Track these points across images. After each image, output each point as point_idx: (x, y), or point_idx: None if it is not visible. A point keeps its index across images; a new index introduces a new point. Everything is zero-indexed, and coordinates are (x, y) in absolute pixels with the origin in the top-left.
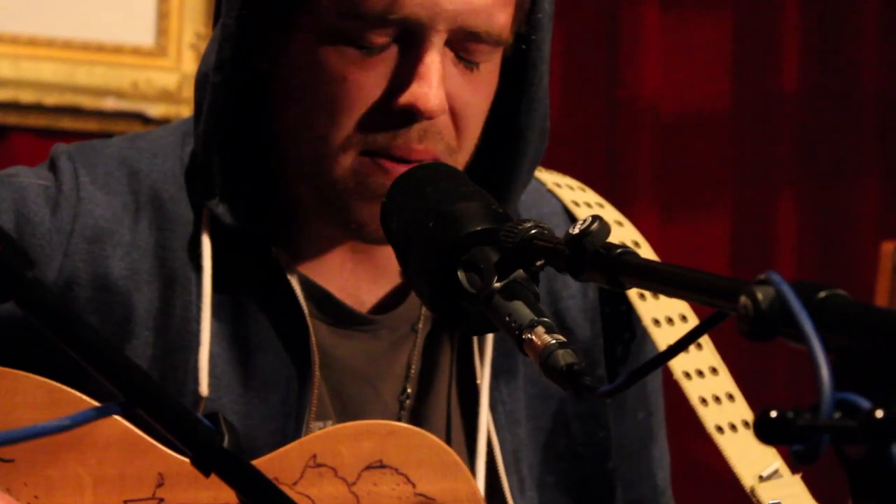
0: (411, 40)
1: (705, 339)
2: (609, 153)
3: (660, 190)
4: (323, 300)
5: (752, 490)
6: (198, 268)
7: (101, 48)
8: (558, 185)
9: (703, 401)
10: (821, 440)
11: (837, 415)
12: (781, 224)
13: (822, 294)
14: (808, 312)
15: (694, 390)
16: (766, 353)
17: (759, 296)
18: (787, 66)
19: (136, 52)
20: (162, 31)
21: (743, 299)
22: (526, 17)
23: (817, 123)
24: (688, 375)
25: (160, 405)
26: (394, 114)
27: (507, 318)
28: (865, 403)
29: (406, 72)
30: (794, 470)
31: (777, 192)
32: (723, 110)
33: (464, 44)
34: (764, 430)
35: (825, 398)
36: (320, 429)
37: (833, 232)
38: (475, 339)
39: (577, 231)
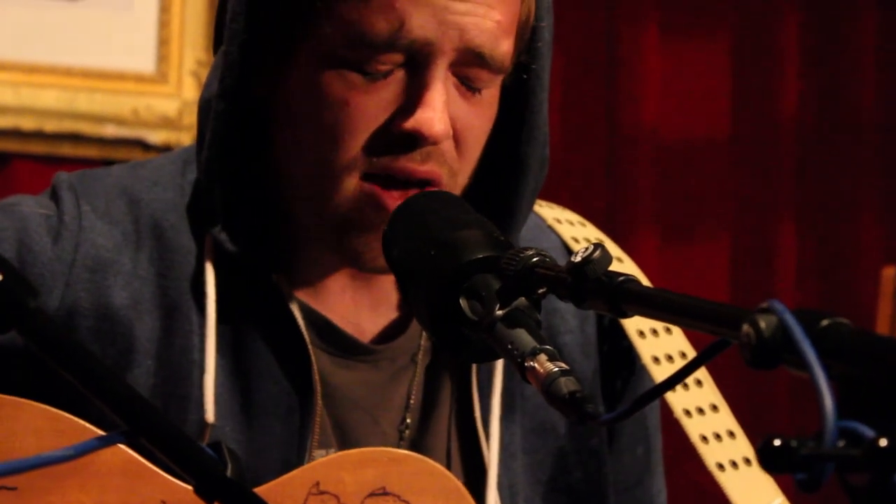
0: (416, 65)
1: (705, 376)
2: (609, 180)
3: (659, 216)
4: (324, 329)
5: None
6: (200, 296)
7: (101, 75)
8: (558, 221)
9: (704, 438)
10: (824, 468)
11: (841, 443)
12: (782, 250)
13: (825, 322)
14: (810, 341)
15: (694, 428)
16: (768, 382)
17: (762, 324)
18: (786, 93)
19: (137, 78)
20: (162, 57)
21: (745, 327)
22: (526, 47)
23: (817, 149)
24: (688, 413)
25: (163, 434)
26: (397, 138)
27: (510, 346)
28: (869, 432)
29: (410, 97)
30: None
31: (777, 219)
32: (722, 136)
33: (467, 68)
34: (768, 459)
35: (828, 426)
36: (323, 457)
37: (833, 258)
38: (474, 372)
39: (579, 259)
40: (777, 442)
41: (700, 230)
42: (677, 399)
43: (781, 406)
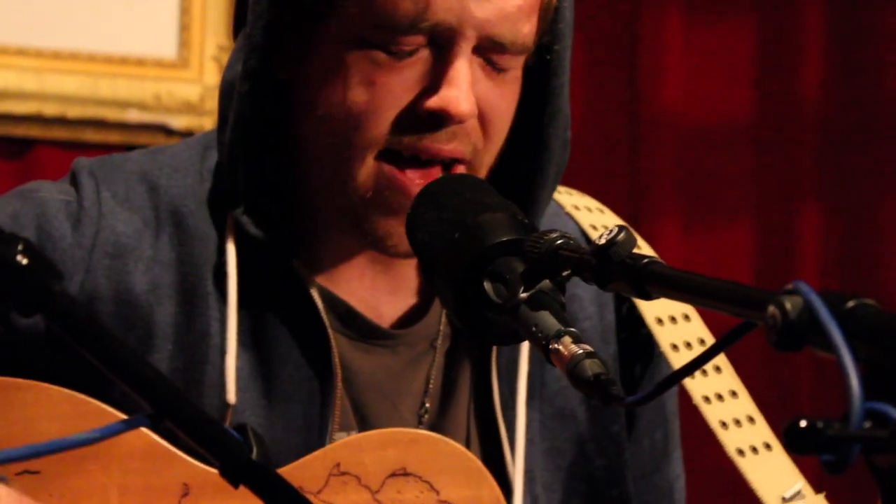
0: (440, 45)
1: (724, 362)
2: (631, 164)
3: (682, 200)
4: (344, 313)
5: None
6: (220, 281)
7: (123, 61)
8: (577, 208)
9: (724, 424)
10: (851, 450)
11: (867, 424)
12: (805, 233)
13: (851, 304)
14: (836, 322)
15: (713, 414)
16: (789, 367)
17: (788, 305)
18: (809, 76)
19: (159, 64)
20: (184, 43)
21: (771, 309)
22: (548, 28)
23: (841, 132)
24: (707, 399)
25: (188, 417)
26: (422, 117)
27: (534, 329)
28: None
29: (436, 76)
30: (817, 489)
31: (800, 202)
32: (745, 120)
33: (490, 51)
34: (794, 440)
35: (855, 408)
36: (343, 438)
37: (857, 241)
38: (494, 357)
39: (603, 241)
40: (803, 423)
41: (723, 214)
42: (696, 386)
43: (802, 391)
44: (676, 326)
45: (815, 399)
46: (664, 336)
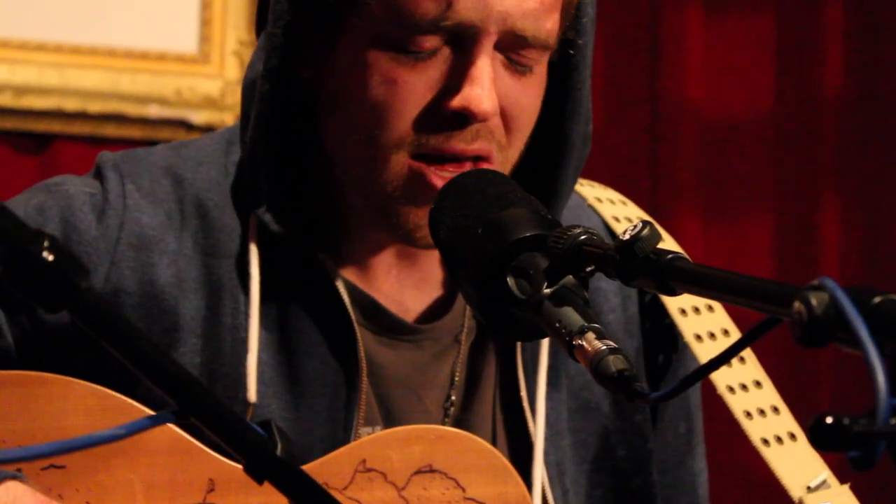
0: (462, 44)
1: (748, 353)
2: (652, 159)
3: (703, 194)
4: (369, 308)
5: (801, 501)
6: (245, 275)
7: (144, 56)
8: (599, 200)
9: (748, 414)
10: (877, 446)
11: (894, 420)
12: (825, 227)
13: (877, 299)
14: (862, 318)
15: (738, 404)
16: (810, 363)
17: (814, 301)
18: (830, 70)
19: (180, 59)
20: (205, 38)
21: (797, 305)
22: (571, 23)
23: (861, 126)
24: (731, 389)
25: (213, 413)
26: (446, 116)
27: (557, 325)
28: None
29: (458, 75)
30: (842, 480)
31: (821, 196)
32: (766, 114)
33: (513, 48)
34: (819, 437)
35: (882, 403)
36: (369, 434)
37: (877, 234)
38: (519, 350)
39: (627, 236)
40: (829, 419)
41: (743, 208)
42: (720, 376)
43: (823, 388)
44: (700, 317)
45: (836, 394)
46: (687, 326)
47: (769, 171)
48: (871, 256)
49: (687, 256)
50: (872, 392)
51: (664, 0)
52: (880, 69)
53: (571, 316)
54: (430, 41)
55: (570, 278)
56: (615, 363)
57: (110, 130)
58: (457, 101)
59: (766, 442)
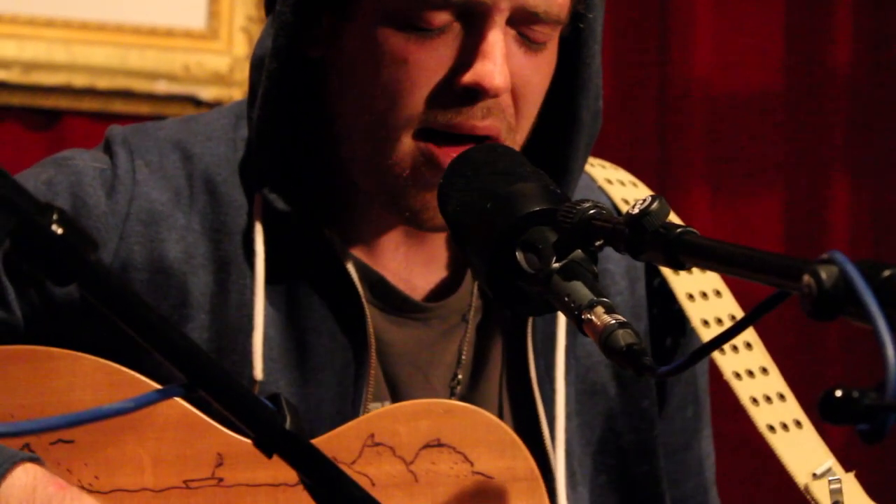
0: (473, 20)
1: (755, 339)
2: (660, 132)
3: (711, 172)
4: (377, 285)
5: (807, 488)
6: (251, 252)
7: (152, 32)
8: (609, 182)
9: (754, 400)
10: (887, 419)
11: None
12: (835, 206)
13: (887, 273)
14: (872, 291)
15: (744, 390)
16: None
17: (823, 275)
18: (839, 46)
19: (188, 35)
20: (213, 14)
21: (806, 278)
22: None
23: (871, 104)
24: (738, 376)
25: (222, 387)
26: (457, 93)
27: (566, 299)
28: None
29: (469, 51)
30: (847, 468)
31: (830, 173)
32: (775, 90)
33: (524, 23)
34: (829, 410)
35: (891, 377)
36: (377, 409)
37: (886, 210)
38: (530, 331)
39: (636, 210)
40: (839, 392)
41: (752, 186)
42: (727, 362)
43: (833, 365)
44: (707, 302)
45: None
46: (695, 311)
47: (778, 149)
48: (881, 234)
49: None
50: (882, 365)
51: None
52: (891, 48)
53: (580, 290)
54: (440, 17)
55: (579, 252)
56: (624, 337)
57: (119, 106)
58: (468, 77)
59: (772, 428)
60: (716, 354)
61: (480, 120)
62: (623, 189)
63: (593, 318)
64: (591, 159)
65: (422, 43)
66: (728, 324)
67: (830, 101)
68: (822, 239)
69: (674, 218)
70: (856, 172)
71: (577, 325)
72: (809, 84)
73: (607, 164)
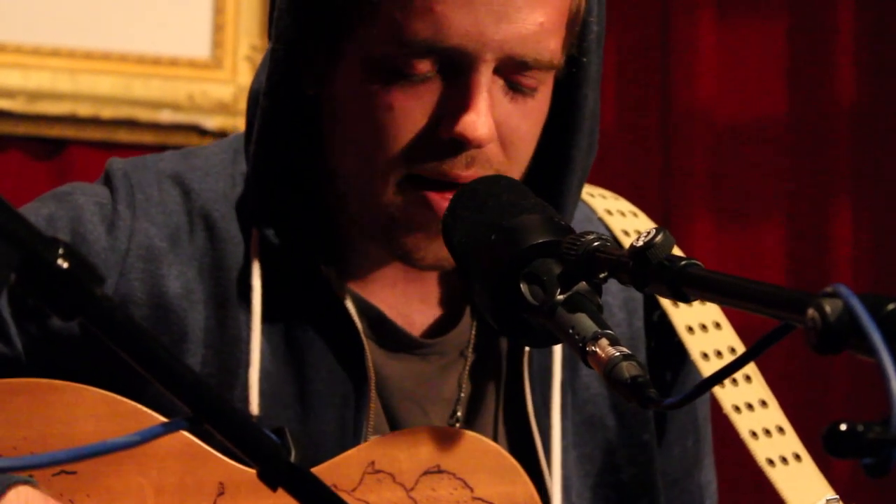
0: (457, 69)
1: (754, 372)
2: (664, 161)
3: (715, 197)
4: (375, 320)
5: None
6: (248, 288)
7: (156, 61)
8: (609, 213)
9: (754, 434)
10: (891, 453)
11: None
12: (838, 232)
13: (891, 307)
14: (877, 325)
15: (744, 424)
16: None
17: (828, 308)
18: (842, 74)
19: (192, 64)
20: (217, 43)
21: (811, 312)
22: (577, 40)
23: (874, 131)
24: (737, 409)
25: (227, 419)
26: (441, 142)
27: (571, 331)
28: None
29: (454, 100)
30: (847, 501)
31: (833, 201)
32: (778, 118)
33: (514, 72)
34: (833, 443)
35: None
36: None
37: (890, 239)
38: (526, 365)
39: (640, 243)
40: (843, 426)
41: (755, 212)
42: (726, 395)
43: (836, 401)
44: (707, 334)
45: (847, 406)
46: (694, 344)
47: (781, 176)
48: (884, 262)
49: (700, 263)
50: (886, 399)
51: (676, 2)
52: (893, 75)
53: (585, 322)
54: (424, 64)
55: (583, 284)
56: (629, 369)
57: (123, 136)
58: (451, 127)
59: (771, 462)
60: (715, 388)
61: (465, 169)
62: (623, 220)
63: (598, 350)
64: (591, 189)
65: (408, 90)
66: (728, 356)
67: (833, 129)
68: (825, 267)
69: (677, 251)
70: (859, 200)
71: (582, 358)
72: (812, 111)
73: (608, 194)
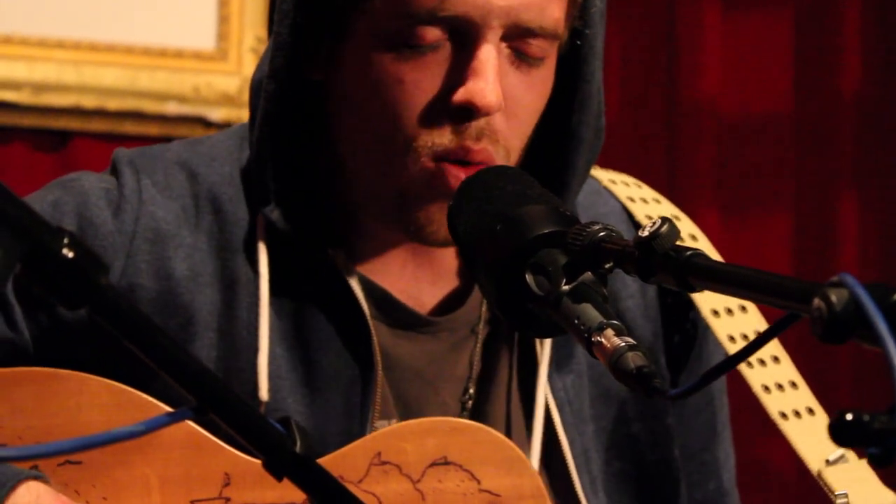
0: (464, 37)
1: (782, 353)
2: (669, 154)
3: (720, 190)
4: (382, 301)
5: (819, 474)
6: (256, 270)
7: (162, 53)
8: (613, 182)
9: (766, 388)
10: None
11: None
12: (843, 224)
13: None
14: (882, 314)
15: (756, 379)
16: (829, 362)
17: (833, 298)
18: (848, 67)
19: (197, 56)
20: (223, 35)
21: (816, 301)
22: (579, 12)
23: (880, 123)
24: (749, 364)
25: (233, 410)
26: (451, 111)
27: (576, 321)
28: None
29: (461, 68)
30: (860, 454)
31: (839, 193)
32: (784, 110)
33: (519, 39)
34: (839, 433)
35: None
36: (384, 427)
37: (895, 232)
38: (538, 340)
39: (646, 233)
40: (849, 416)
41: (761, 205)
42: (755, 375)
43: (843, 389)
44: (733, 318)
45: (854, 397)
46: (721, 327)
47: (787, 168)
48: (890, 255)
49: (699, 239)
50: (892, 388)
51: None
52: None
53: (590, 312)
54: (431, 33)
55: (588, 275)
56: (634, 360)
57: (128, 127)
58: (460, 95)
59: (784, 416)
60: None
61: (475, 142)
62: (628, 189)
63: (603, 340)
64: (613, 175)
65: (415, 62)
66: (738, 313)
67: (839, 123)
68: (831, 260)
69: (702, 239)
70: (864, 193)
71: (587, 348)
72: (818, 105)
73: (630, 181)
